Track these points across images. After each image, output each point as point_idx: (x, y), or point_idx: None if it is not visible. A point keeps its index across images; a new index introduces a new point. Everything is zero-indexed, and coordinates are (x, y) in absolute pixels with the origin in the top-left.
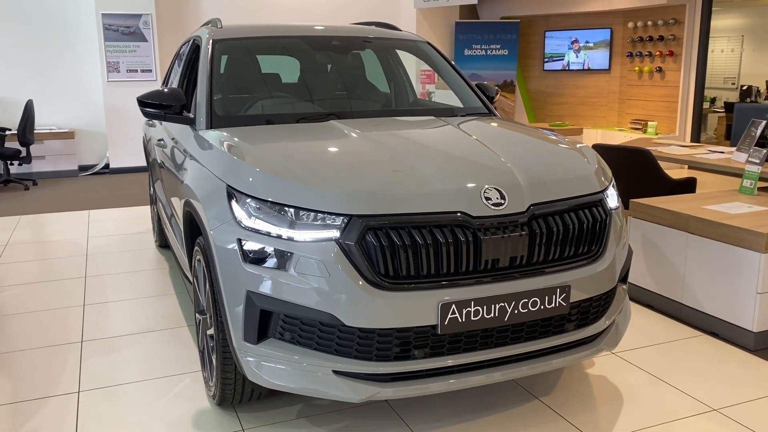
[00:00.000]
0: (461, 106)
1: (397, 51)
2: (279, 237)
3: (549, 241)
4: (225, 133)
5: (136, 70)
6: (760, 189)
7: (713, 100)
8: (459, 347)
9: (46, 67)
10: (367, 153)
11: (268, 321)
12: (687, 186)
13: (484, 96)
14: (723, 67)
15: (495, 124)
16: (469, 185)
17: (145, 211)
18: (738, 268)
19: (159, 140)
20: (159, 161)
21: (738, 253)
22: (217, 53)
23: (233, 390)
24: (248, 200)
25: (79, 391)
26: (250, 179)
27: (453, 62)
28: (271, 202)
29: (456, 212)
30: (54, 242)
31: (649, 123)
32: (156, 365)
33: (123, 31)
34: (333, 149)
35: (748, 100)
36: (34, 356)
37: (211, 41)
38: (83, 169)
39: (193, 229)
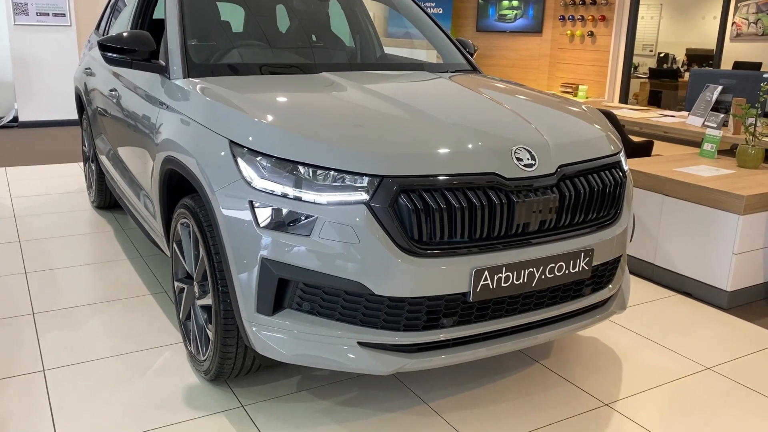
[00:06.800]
0: (427, 60)
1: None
2: (299, 199)
3: (576, 204)
4: (212, 83)
5: (48, 14)
6: (718, 152)
7: (636, 67)
8: (486, 315)
9: None
10: (382, 109)
11: (285, 291)
12: (646, 149)
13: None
14: (642, 34)
15: (496, 83)
16: (499, 145)
17: (72, 168)
18: (715, 229)
19: (111, 90)
20: (110, 114)
21: (715, 215)
22: None
23: (233, 365)
24: (258, 158)
25: (44, 370)
26: (261, 135)
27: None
28: (288, 161)
29: (490, 173)
30: None
31: (581, 87)
32: (126, 338)
33: None
34: (343, 104)
35: (665, 66)
36: None
37: None
38: None
39: (172, 188)
